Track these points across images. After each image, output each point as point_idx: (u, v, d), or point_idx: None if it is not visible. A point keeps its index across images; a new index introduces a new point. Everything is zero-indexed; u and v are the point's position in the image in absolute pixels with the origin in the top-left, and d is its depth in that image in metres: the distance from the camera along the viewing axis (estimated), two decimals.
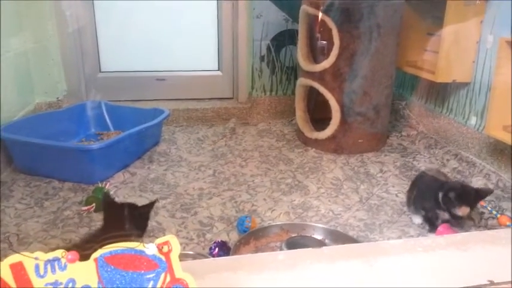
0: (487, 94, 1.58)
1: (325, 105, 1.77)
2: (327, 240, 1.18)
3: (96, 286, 0.55)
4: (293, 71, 2.22)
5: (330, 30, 1.67)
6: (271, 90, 2.24)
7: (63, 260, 0.54)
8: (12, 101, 1.74)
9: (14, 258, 0.53)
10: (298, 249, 0.82)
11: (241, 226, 1.21)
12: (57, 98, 2.03)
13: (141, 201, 1.37)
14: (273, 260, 0.75)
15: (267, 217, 1.31)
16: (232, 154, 1.79)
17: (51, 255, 0.54)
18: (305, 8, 1.78)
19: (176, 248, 0.56)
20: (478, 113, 1.64)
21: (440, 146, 1.80)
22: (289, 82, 2.24)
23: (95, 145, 1.55)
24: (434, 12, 1.77)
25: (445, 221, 1.21)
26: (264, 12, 2.10)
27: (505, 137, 1.38)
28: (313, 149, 1.84)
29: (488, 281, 0.70)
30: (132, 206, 0.98)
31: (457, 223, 1.21)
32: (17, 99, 1.81)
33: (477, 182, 1.47)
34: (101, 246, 0.55)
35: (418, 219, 1.27)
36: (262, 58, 2.18)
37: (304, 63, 1.82)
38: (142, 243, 0.55)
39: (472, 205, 1.15)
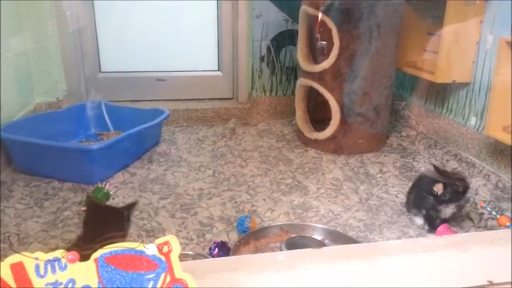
0: (486, 94, 1.58)
1: (325, 105, 1.77)
2: (326, 241, 1.18)
3: (96, 286, 0.55)
4: (293, 71, 2.22)
5: (330, 30, 1.67)
6: (271, 91, 2.24)
7: (63, 260, 0.54)
8: (12, 101, 1.74)
9: (14, 258, 0.53)
10: (298, 250, 0.82)
11: (241, 226, 1.21)
12: (57, 98, 2.03)
13: (141, 202, 1.38)
14: (273, 261, 0.75)
15: (267, 217, 1.31)
16: (232, 154, 1.79)
17: (51, 255, 0.54)
18: (305, 8, 1.78)
19: (176, 248, 0.56)
20: (477, 114, 1.64)
21: (440, 146, 1.80)
22: (289, 82, 2.24)
23: (94, 145, 1.54)
24: (434, 12, 1.78)
25: (444, 220, 1.21)
26: (263, 12, 2.10)
27: (504, 138, 1.38)
28: (313, 150, 1.84)
29: (488, 281, 0.70)
30: (111, 209, 0.96)
31: (452, 216, 1.22)
32: (17, 99, 1.81)
33: (477, 183, 1.47)
34: (101, 247, 0.55)
35: (419, 220, 1.27)
36: (262, 58, 2.18)
37: (304, 64, 1.82)
38: (142, 244, 0.55)
39: (446, 184, 1.18)
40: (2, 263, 0.52)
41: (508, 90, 1.36)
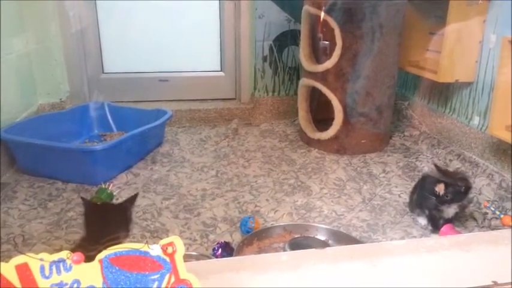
0: (489, 94, 1.58)
1: (327, 105, 1.77)
2: (330, 241, 1.18)
3: (101, 287, 0.55)
4: (295, 72, 2.22)
5: (332, 30, 1.67)
6: (273, 91, 2.24)
7: (68, 261, 0.54)
8: (15, 102, 1.74)
9: (19, 259, 0.53)
10: (302, 250, 0.82)
11: (245, 227, 1.21)
12: (60, 99, 2.04)
13: (144, 202, 1.38)
14: (276, 261, 0.75)
15: (270, 218, 1.31)
16: (235, 155, 1.79)
17: (56, 256, 0.54)
18: (307, 8, 1.78)
19: (180, 249, 0.56)
20: (481, 113, 1.64)
21: (443, 146, 1.80)
22: (291, 82, 2.24)
23: (98, 146, 1.55)
24: (436, 12, 1.77)
25: (447, 220, 1.21)
26: (266, 12, 2.10)
27: (507, 137, 1.38)
28: (316, 150, 1.84)
29: (492, 281, 0.70)
30: (110, 206, 0.95)
31: (455, 216, 1.22)
32: (20, 101, 1.82)
33: (480, 182, 1.47)
34: (105, 248, 0.55)
35: (423, 220, 1.27)
36: (264, 58, 2.18)
37: (306, 64, 1.82)
38: (146, 244, 0.56)
39: (448, 184, 1.17)
40: (7, 263, 0.53)
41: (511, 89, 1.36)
